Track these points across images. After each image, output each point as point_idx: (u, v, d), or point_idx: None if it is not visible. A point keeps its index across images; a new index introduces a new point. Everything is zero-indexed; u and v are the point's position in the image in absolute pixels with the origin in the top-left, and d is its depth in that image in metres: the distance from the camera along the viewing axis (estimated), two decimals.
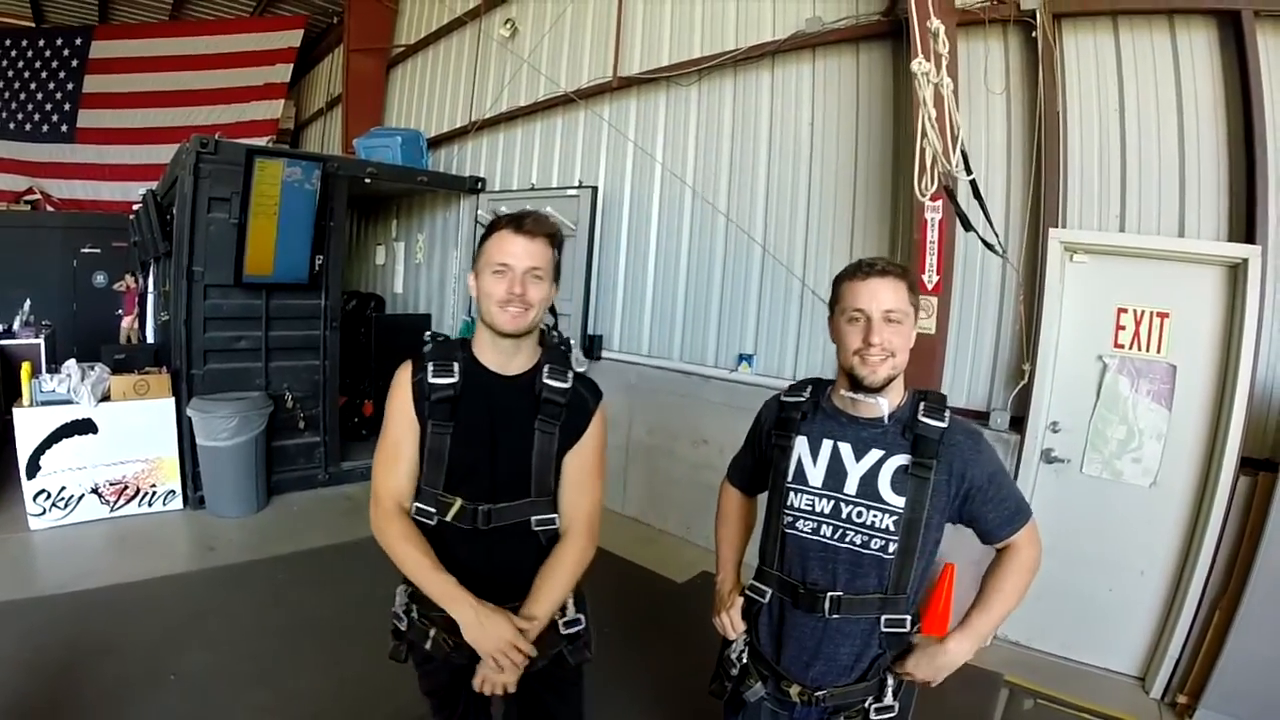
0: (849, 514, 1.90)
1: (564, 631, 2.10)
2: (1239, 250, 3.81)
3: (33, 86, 12.00)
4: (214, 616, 4.30)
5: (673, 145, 6.34)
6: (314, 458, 6.79)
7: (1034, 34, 4.29)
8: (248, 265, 5.95)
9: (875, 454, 1.89)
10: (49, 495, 5.33)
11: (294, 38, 12.58)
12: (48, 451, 5.30)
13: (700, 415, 5.83)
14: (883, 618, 1.90)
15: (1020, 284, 4.38)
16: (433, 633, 2.03)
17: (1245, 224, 3.82)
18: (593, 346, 6.80)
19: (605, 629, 4.29)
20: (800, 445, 1.99)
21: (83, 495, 5.47)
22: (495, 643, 1.90)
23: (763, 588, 2.05)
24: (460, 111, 8.86)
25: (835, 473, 1.92)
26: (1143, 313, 4.13)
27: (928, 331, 4.37)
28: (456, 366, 1.98)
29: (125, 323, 9.06)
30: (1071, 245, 4.25)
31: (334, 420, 6.90)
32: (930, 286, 4.33)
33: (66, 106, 12.07)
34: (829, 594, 1.89)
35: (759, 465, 2.17)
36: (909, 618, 1.92)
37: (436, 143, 9.17)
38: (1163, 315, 4.08)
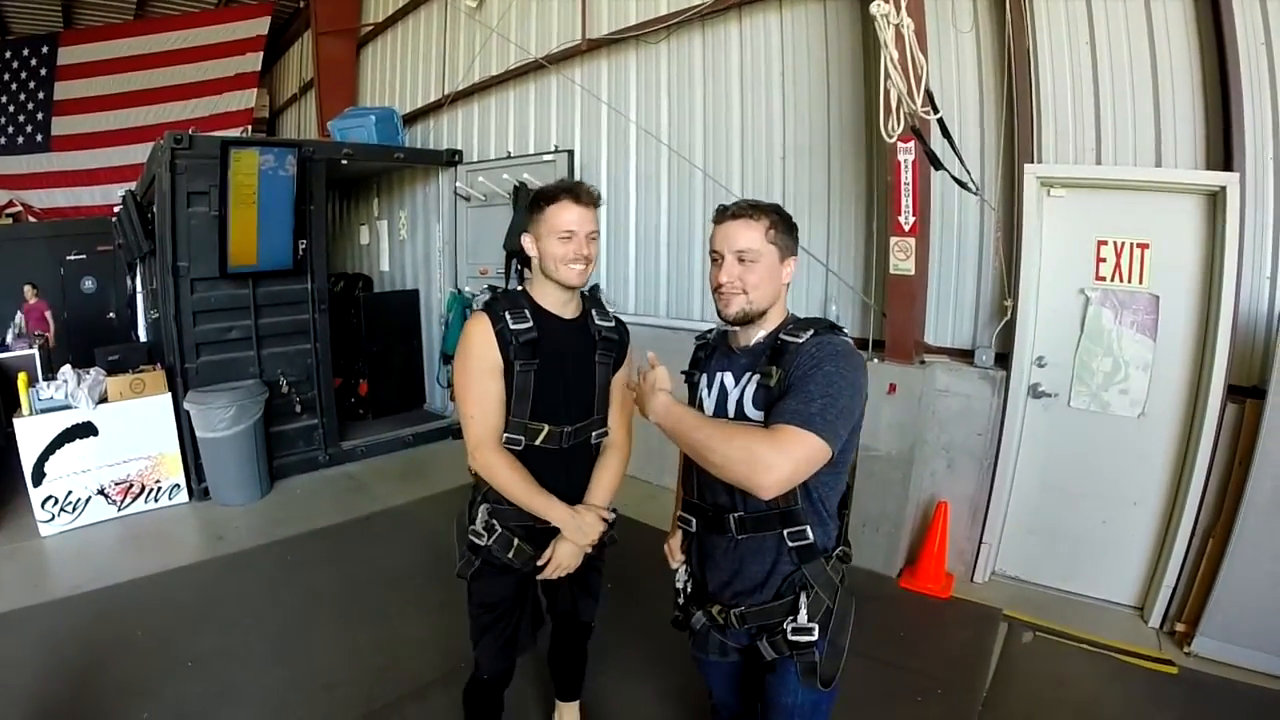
0: None
1: (607, 522, 2.53)
2: (1217, 178, 3.79)
3: (4, 99, 11.93)
4: (227, 602, 4.38)
5: (646, 104, 6.32)
6: (313, 440, 6.86)
7: None
8: (231, 256, 5.96)
9: (746, 377, 2.00)
10: (56, 501, 5.38)
11: (261, 25, 12.45)
12: (51, 458, 5.34)
13: None
14: (784, 531, 1.96)
15: (999, 221, 4.40)
16: (516, 542, 2.41)
17: (1223, 151, 3.78)
18: None
19: (608, 584, 4.40)
20: (702, 381, 2.16)
21: (89, 497, 5.52)
22: (590, 533, 2.42)
23: (688, 516, 2.20)
24: (433, 85, 8.81)
25: (721, 400, 2.05)
26: (1123, 244, 4.12)
27: (907, 273, 4.41)
28: (528, 313, 2.30)
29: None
30: (1048, 180, 4.24)
31: (330, 402, 6.96)
32: (907, 228, 4.35)
33: (40, 116, 12.00)
34: (732, 514, 2.00)
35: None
36: (807, 527, 1.95)
37: (412, 118, 9.13)
38: (1143, 246, 4.08)
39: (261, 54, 12.61)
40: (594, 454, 2.52)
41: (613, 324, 2.48)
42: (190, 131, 5.95)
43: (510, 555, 2.39)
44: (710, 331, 2.26)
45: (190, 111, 12.09)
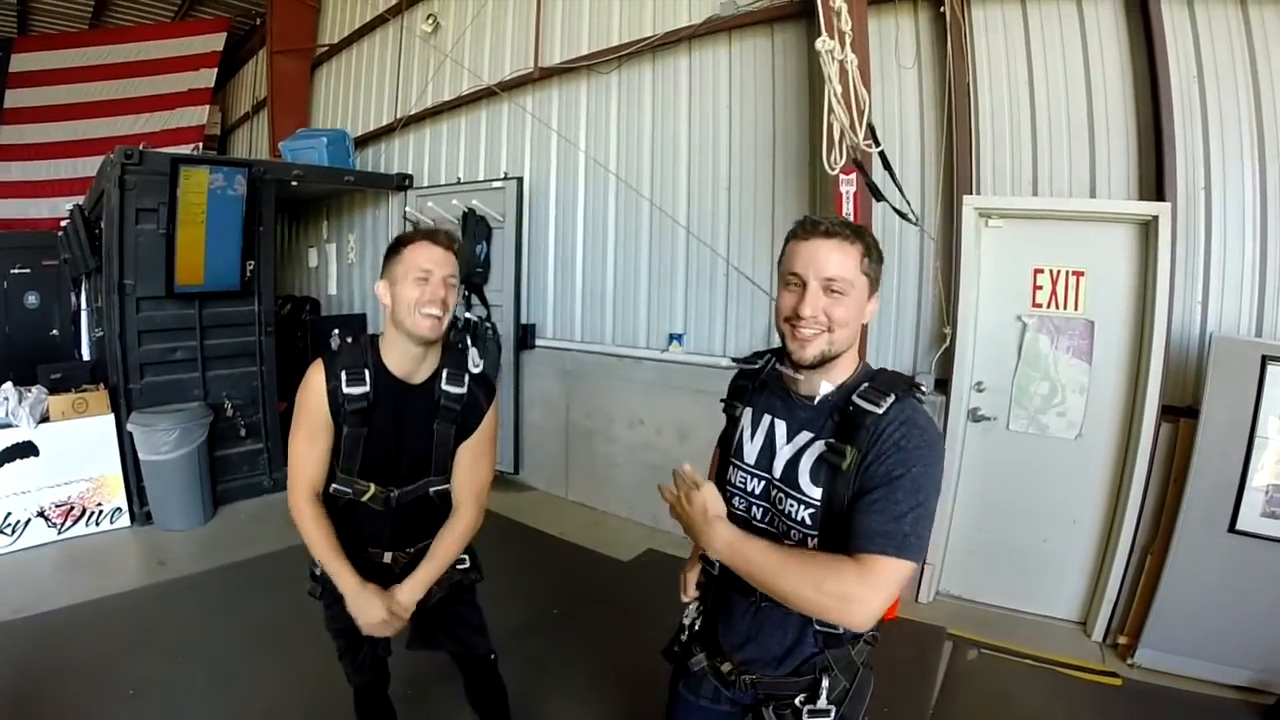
0: (775, 498, 1.72)
1: (458, 568, 2.48)
2: (1149, 208, 3.96)
3: None
4: (169, 629, 4.28)
5: (595, 133, 6.36)
6: (258, 464, 6.73)
7: (942, 9, 4.39)
8: (178, 275, 5.87)
9: (804, 436, 1.69)
10: None
11: (217, 41, 12.26)
12: None
13: (635, 396, 5.92)
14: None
15: (938, 251, 4.51)
16: None
17: (1155, 182, 3.96)
18: (526, 336, 6.81)
19: (554, 610, 4.42)
20: (746, 417, 1.84)
21: (29, 520, 5.37)
22: (368, 619, 2.25)
23: (712, 559, 1.83)
24: (386, 109, 8.78)
25: (768, 451, 1.75)
26: (1059, 272, 4.27)
27: None
28: (368, 375, 2.17)
29: None
30: (986, 210, 4.36)
31: (275, 426, 6.82)
32: None
33: None
34: None
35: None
36: None
37: (364, 141, 9.07)
38: (1078, 274, 4.23)
39: (215, 70, 12.41)
40: (437, 504, 2.36)
41: (463, 390, 2.26)
42: (141, 147, 5.86)
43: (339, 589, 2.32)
44: (765, 361, 1.88)
45: (141, 125, 11.79)
